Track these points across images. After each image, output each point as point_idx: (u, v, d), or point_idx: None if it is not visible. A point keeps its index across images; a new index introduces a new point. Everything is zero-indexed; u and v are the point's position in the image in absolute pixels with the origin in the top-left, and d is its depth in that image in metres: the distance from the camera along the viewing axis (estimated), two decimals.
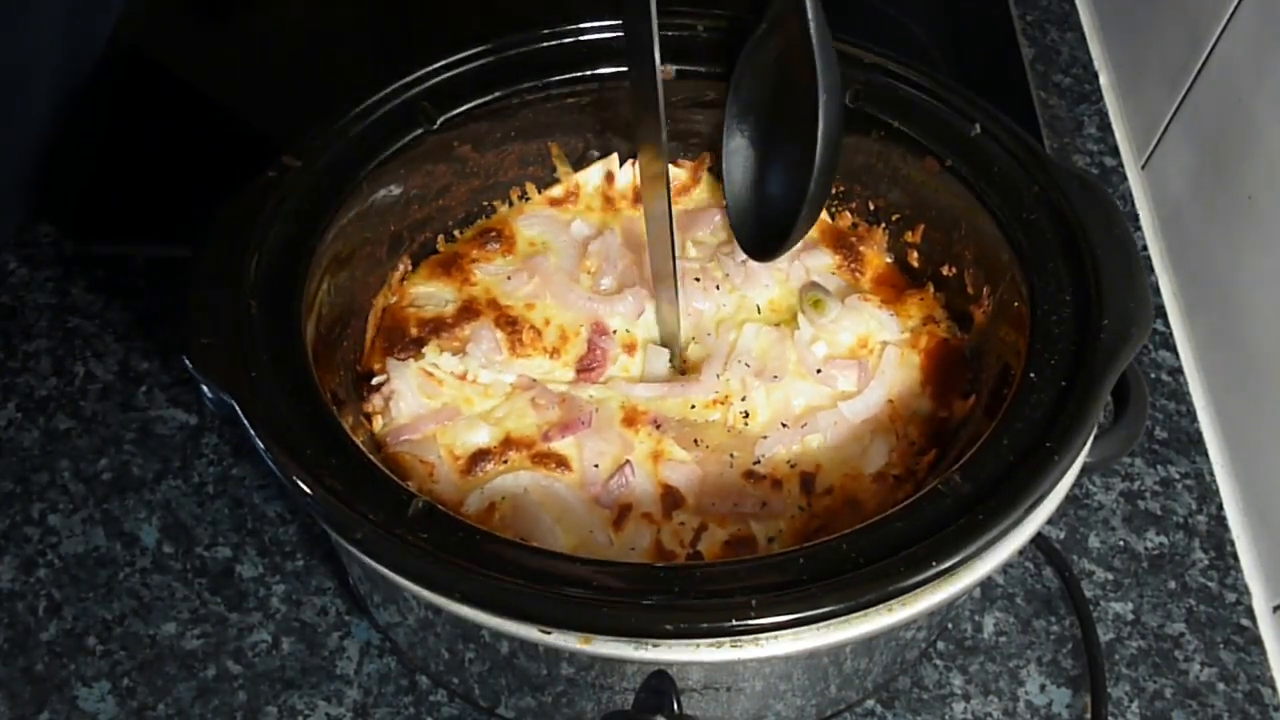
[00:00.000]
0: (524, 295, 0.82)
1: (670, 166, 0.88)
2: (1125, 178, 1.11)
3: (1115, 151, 1.13)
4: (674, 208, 0.87)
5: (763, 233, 0.80)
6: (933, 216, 0.81)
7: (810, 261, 0.84)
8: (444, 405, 0.76)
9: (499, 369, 0.78)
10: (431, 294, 0.82)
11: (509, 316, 0.80)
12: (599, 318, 0.81)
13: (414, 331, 0.79)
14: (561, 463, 0.74)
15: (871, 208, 0.85)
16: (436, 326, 0.79)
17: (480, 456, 0.73)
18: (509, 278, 0.82)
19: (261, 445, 0.61)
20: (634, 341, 0.82)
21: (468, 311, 0.80)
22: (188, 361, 0.63)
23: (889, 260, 0.85)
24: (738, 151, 0.82)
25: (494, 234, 0.85)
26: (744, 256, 0.84)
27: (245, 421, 0.62)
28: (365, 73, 0.84)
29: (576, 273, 0.84)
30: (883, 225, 0.85)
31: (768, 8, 0.76)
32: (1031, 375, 0.65)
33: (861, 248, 0.85)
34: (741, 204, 0.82)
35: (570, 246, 0.85)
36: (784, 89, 0.76)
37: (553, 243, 0.85)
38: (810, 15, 0.69)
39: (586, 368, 0.80)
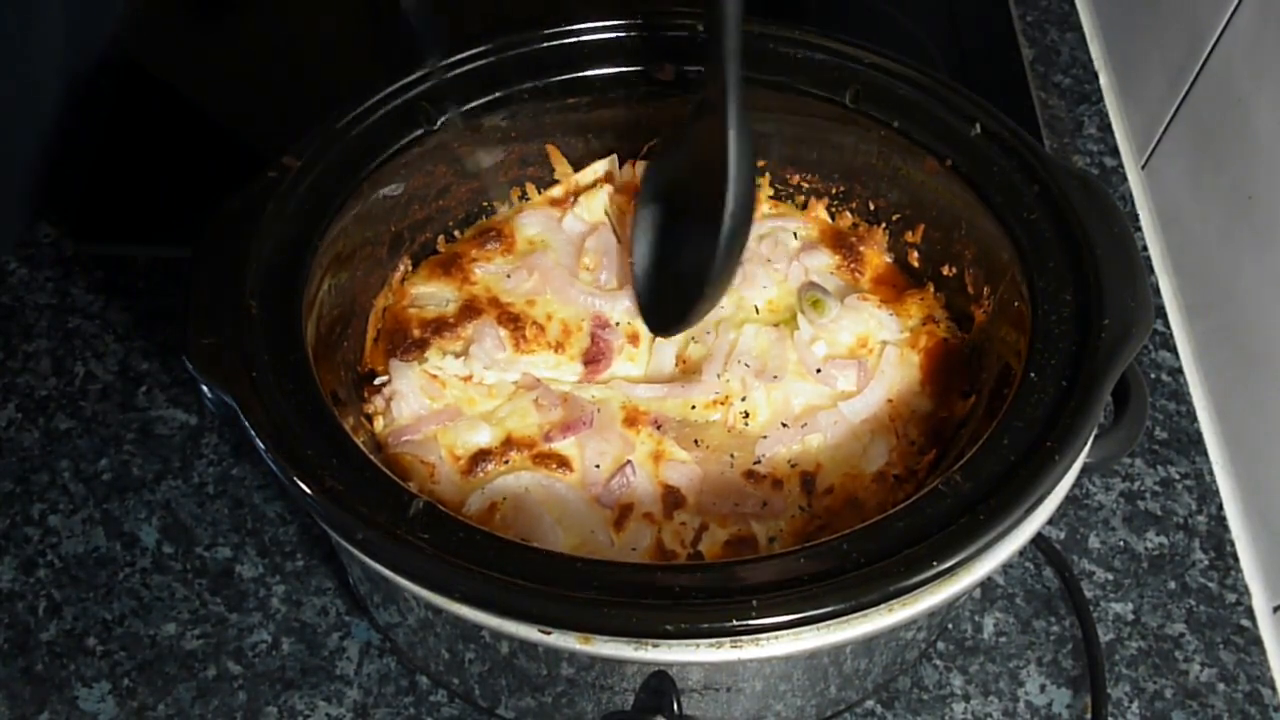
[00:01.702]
0: (524, 292, 0.82)
1: None
2: (1125, 178, 1.11)
3: (1115, 151, 1.13)
4: None
5: (663, 309, 0.80)
6: (933, 216, 0.81)
7: (810, 261, 0.84)
8: (446, 406, 0.76)
9: (503, 368, 0.78)
10: (432, 294, 0.82)
11: (510, 314, 0.80)
12: (600, 312, 0.82)
13: (416, 333, 0.79)
14: (563, 463, 0.74)
15: (871, 208, 0.85)
16: (438, 326, 0.79)
17: (481, 457, 0.73)
18: (508, 276, 0.82)
19: (262, 446, 0.61)
20: (637, 333, 0.82)
21: (469, 310, 0.80)
22: (188, 362, 0.63)
23: (889, 260, 0.85)
24: (645, 225, 0.80)
25: (493, 233, 0.85)
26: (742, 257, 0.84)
27: (245, 422, 0.62)
28: (365, 73, 0.84)
29: (576, 269, 0.84)
30: (883, 225, 0.85)
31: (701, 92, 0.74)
32: (1032, 375, 0.65)
33: (861, 248, 0.85)
34: (645, 278, 0.80)
35: (568, 244, 0.85)
36: (698, 175, 0.74)
37: (551, 240, 0.85)
38: (731, 107, 0.69)
39: (593, 360, 0.80)
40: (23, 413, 0.92)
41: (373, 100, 0.77)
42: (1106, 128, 1.14)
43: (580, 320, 0.81)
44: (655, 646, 0.58)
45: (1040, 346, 0.67)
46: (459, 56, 0.79)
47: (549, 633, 0.58)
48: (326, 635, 0.83)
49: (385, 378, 0.76)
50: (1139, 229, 1.08)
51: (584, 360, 0.80)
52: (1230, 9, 0.96)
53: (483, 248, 0.84)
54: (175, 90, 1.14)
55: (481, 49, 0.80)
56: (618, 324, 0.82)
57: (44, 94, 1.05)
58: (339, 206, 0.73)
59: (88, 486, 0.89)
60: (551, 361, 0.80)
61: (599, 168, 0.87)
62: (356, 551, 0.60)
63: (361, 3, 1.25)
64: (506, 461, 0.73)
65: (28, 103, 1.03)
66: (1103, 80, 1.19)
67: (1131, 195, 1.10)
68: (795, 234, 0.85)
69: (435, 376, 0.77)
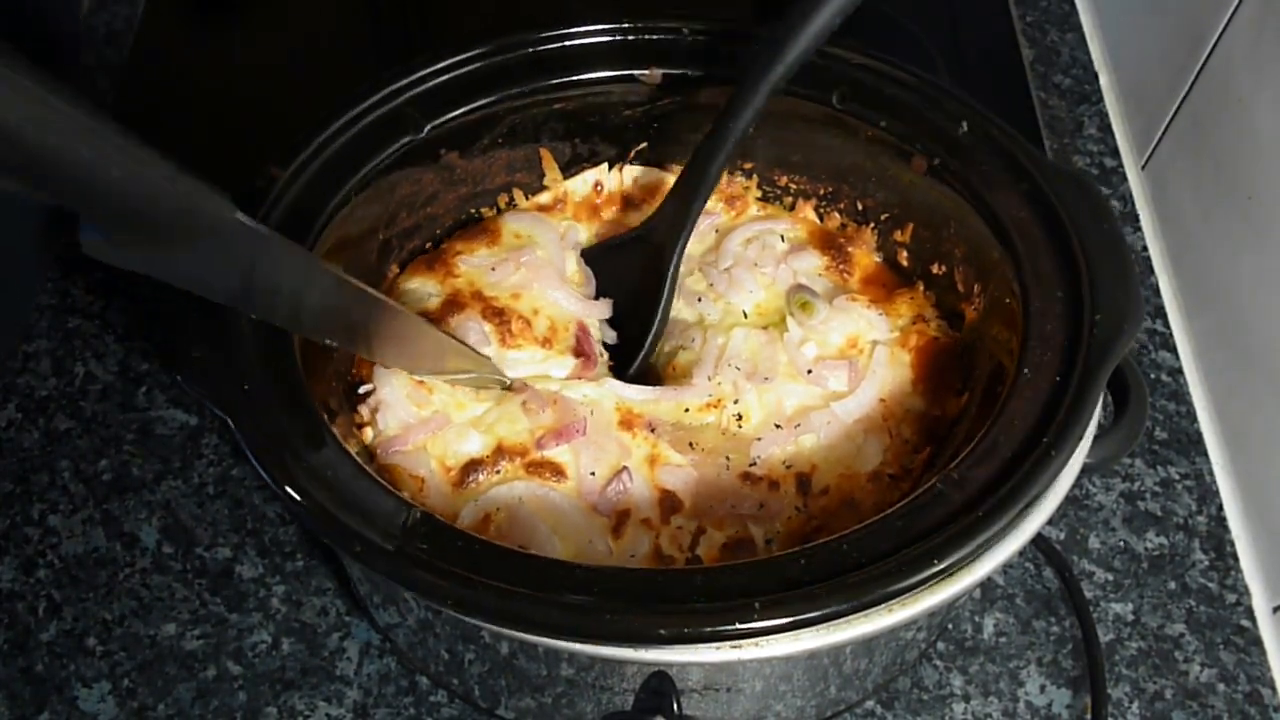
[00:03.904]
0: (509, 286, 0.80)
1: (658, 171, 0.88)
2: (1125, 178, 1.11)
3: (1115, 152, 1.13)
4: None
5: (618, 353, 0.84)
6: (922, 215, 0.80)
7: (798, 264, 0.84)
8: (434, 413, 0.74)
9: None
10: (414, 289, 0.80)
11: (495, 307, 0.78)
12: (582, 319, 0.81)
13: None
14: (557, 471, 0.72)
15: (860, 207, 0.84)
16: None
17: (472, 467, 0.72)
18: (493, 269, 0.80)
19: (256, 461, 0.61)
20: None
21: (452, 305, 0.78)
22: (180, 377, 0.63)
23: (878, 259, 0.85)
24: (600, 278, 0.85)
25: (477, 228, 0.83)
26: (728, 263, 0.84)
27: (239, 437, 0.61)
28: (366, 75, 0.85)
29: (563, 269, 0.83)
30: (871, 225, 0.85)
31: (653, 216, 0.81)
32: (1025, 371, 0.65)
33: (850, 248, 0.85)
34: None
35: (555, 243, 0.84)
36: (638, 283, 0.81)
37: (539, 238, 0.84)
38: (675, 258, 0.79)
39: (583, 353, 0.79)
40: (23, 413, 0.92)
41: (359, 108, 0.76)
42: (1106, 128, 1.14)
43: (566, 321, 0.81)
44: (655, 648, 0.58)
45: (1033, 343, 0.66)
46: (444, 64, 0.79)
47: None
48: (326, 635, 0.83)
49: (370, 386, 0.74)
50: (1139, 229, 1.07)
51: (574, 354, 0.79)
52: (1230, 9, 0.96)
53: (468, 241, 0.83)
54: (176, 91, 1.14)
55: (468, 55, 0.80)
56: (602, 341, 0.82)
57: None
58: (326, 216, 0.73)
59: (88, 486, 0.89)
60: (540, 356, 0.78)
61: (589, 177, 0.87)
62: (356, 563, 0.59)
63: (362, 3, 1.25)
64: (498, 471, 0.72)
65: None
66: (1103, 80, 1.19)
67: (1131, 195, 1.10)
68: (782, 236, 0.85)
69: (421, 382, 0.75)
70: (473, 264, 0.81)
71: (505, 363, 0.77)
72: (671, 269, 0.79)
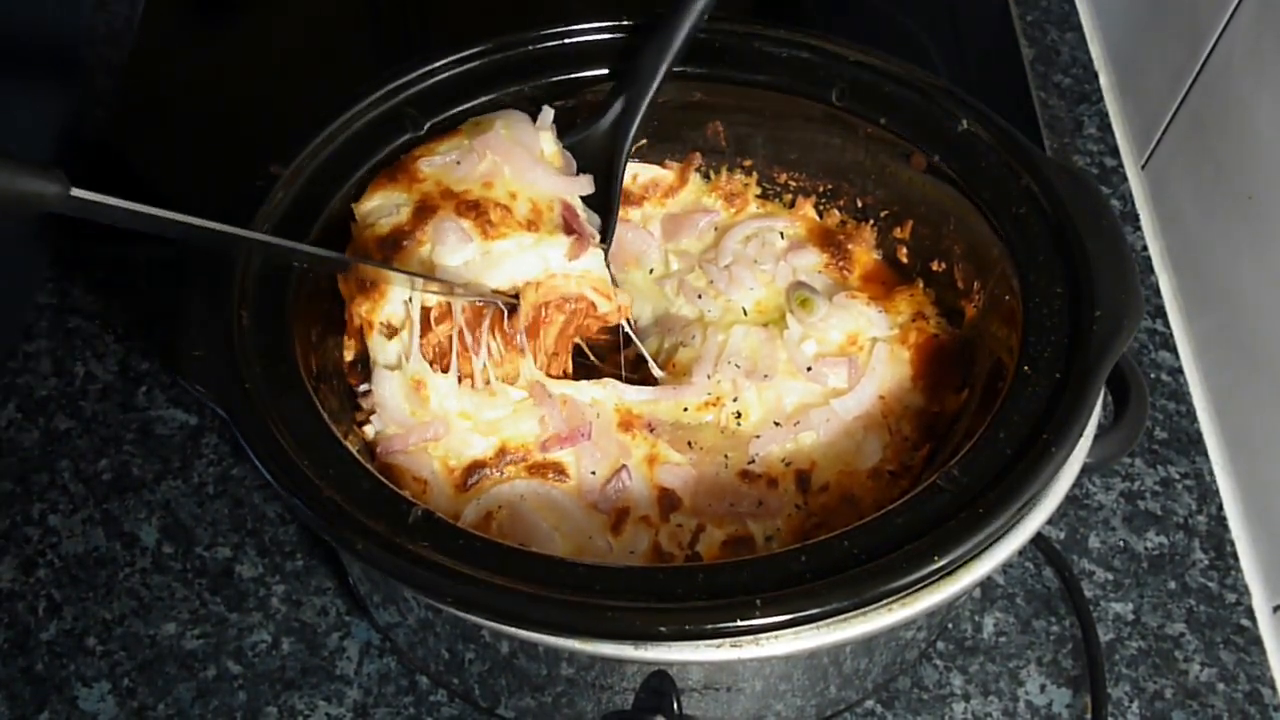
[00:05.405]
0: (479, 176, 0.75)
1: (658, 169, 0.88)
2: (1125, 178, 1.11)
3: (1115, 151, 1.13)
4: (660, 211, 0.87)
5: None
6: (921, 212, 0.81)
7: (797, 261, 0.84)
8: (434, 418, 0.72)
9: (476, 269, 0.73)
10: (380, 205, 0.75)
11: (468, 201, 0.73)
12: (566, 197, 0.77)
13: (377, 256, 0.73)
14: (559, 471, 0.73)
15: (860, 205, 0.85)
16: (396, 239, 0.72)
17: (475, 468, 0.72)
18: (458, 163, 0.75)
19: (257, 459, 0.61)
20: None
21: (423, 211, 0.73)
22: (180, 377, 0.63)
23: (878, 257, 0.85)
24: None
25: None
26: (728, 260, 0.83)
27: (239, 436, 0.61)
28: (366, 75, 0.85)
29: (535, 149, 0.78)
30: (871, 222, 0.85)
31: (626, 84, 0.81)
32: (1025, 368, 0.65)
33: (850, 245, 0.85)
34: None
35: (520, 123, 0.78)
36: (596, 161, 0.81)
37: (499, 116, 0.78)
38: (627, 142, 0.81)
39: (573, 231, 0.76)
40: (23, 413, 0.92)
41: (359, 107, 0.76)
42: (1106, 128, 1.14)
43: (550, 201, 0.76)
44: (656, 646, 0.58)
45: (1033, 340, 0.67)
46: (443, 62, 0.79)
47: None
48: (326, 635, 0.83)
49: (366, 387, 0.73)
50: (1139, 229, 1.07)
51: (565, 231, 0.75)
52: (1230, 9, 0.96)
53: (427, 145, 0.77)
54: (176, 90, 1.14)
55: (464, 54, 0.80)
56: (586, 220, 0.78)
57: (44, 95, 1.05)
58: (326, 214, 0.73)
59: (88, 486, 0.89)
60: (529, 241, 0.73)
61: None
62: (357, 561, 0.59)
63: (362, 3, 1.25)
64: (501, 472, 0.72)
65: (28, 104, 1.03)
66: (1103, 80, 1.19)
67: (1131, 195, 1.10)
68: (781, 234, 0.85)
69: (420, 384, 0.72)
70: (435, 164, 0.75)
71: (493, 256, 0.73)
72: (621, 163, 0.81)
